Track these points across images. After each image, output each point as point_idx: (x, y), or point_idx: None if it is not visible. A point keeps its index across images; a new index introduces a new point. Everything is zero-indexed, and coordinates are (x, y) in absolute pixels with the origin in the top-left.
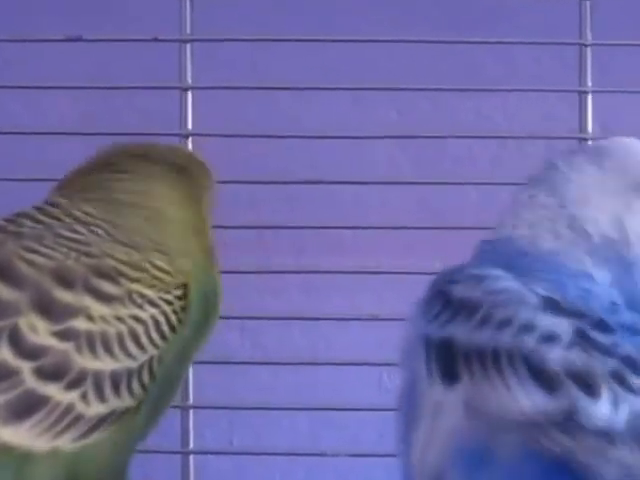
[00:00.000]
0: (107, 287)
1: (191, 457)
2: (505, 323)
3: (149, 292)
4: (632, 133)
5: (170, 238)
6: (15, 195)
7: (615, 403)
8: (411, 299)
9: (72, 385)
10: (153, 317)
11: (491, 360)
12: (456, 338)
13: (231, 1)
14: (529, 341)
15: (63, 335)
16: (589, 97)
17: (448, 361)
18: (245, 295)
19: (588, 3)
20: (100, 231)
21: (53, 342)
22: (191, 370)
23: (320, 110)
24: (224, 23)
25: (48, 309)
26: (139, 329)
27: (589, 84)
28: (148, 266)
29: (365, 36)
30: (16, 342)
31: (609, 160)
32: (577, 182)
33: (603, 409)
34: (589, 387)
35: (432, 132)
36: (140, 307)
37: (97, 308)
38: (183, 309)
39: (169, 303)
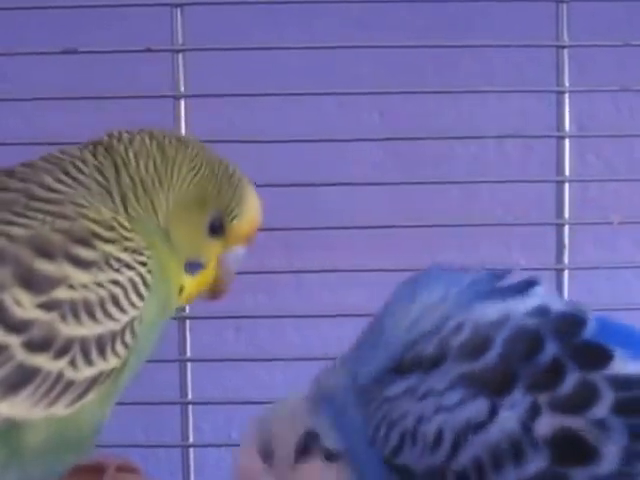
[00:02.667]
0: (84, 253)
1: (191, 450)
2: None
3: (124, 255)
4: (607, 131)
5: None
6: None
7: None
8: None
9: (60, 353)
10: (131, 280)
11: None
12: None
13: (221, 11)
14: None
15: (47, 306)
16: (566, 97)
17: None
18: (240, 295)
19: (565, 5)
20: (70, 180)
21: (38, 314)
22: (189, 367)
23: (307, 115)
24: (215, 32)
25: (31, 282)
26: (119, 293)
27: (566, 84)
28: (116, 224)
29: (349, 43)
30: (3, 317)
31: None
32: None
33: None
34: None
35: (414, 133)
36: (117, 271)
37: (77, 276)
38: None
39: (143, 264)
